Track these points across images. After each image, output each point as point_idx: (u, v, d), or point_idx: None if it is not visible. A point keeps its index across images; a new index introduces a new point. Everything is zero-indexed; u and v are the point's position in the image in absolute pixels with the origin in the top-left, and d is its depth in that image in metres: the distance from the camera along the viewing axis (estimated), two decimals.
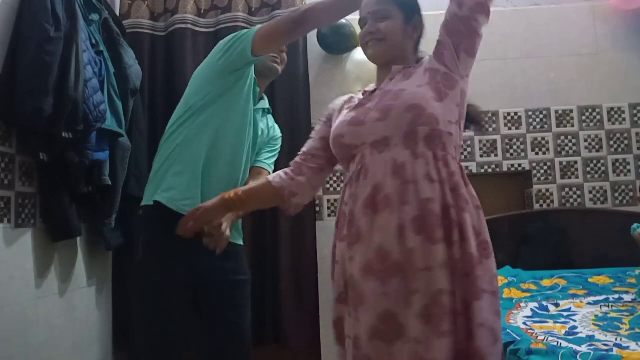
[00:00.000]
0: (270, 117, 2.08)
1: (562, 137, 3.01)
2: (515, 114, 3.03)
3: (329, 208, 2.95)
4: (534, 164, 3.00)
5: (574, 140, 3.01)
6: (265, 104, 2.02)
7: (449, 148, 1.36)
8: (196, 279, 1.76)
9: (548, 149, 3.01)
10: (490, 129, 3.03)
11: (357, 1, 1.58)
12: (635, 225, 2.18)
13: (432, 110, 1.34)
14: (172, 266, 1.72)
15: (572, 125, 3.01)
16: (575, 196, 2.98)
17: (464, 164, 2.99)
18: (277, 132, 2.09)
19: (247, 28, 2.85)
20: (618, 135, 2.99)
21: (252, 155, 1.93)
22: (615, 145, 2.99)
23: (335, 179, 2.97)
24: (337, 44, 2.88)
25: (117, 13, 2.82)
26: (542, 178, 2.99)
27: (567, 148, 3.01)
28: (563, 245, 2.86)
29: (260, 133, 1.95)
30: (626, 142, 2.99)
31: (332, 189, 2.98)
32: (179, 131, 1.78)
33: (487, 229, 1.38)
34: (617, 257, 2.68)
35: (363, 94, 1.52)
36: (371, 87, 1.53)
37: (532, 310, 2.05)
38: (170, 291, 1.73)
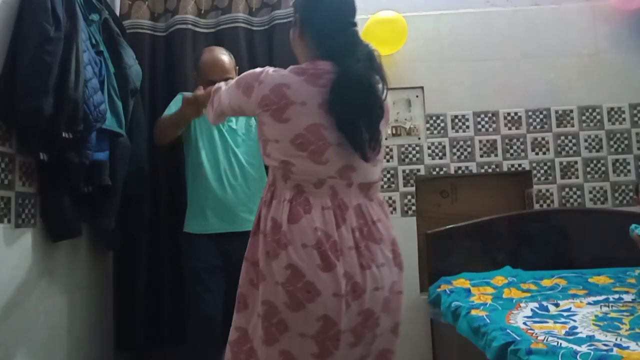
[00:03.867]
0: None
1: (562, 137, 3.01)
2: (515, 114, 3.03)
3: None
4: (534, 164, 3.00)
5: (574, 140, 3.01)
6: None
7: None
8: (225, 262, 2.28)
9: (548, 149, 3.01)
10: (490, 129, 3.03)
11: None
12: (633, 225, 2.18)
13: None
14: (204, 253, 2.30)
15: (572, 125, 3.01)
16: (575, 196, 2.97)
17: (464, 164, 3.03)
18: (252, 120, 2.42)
19: (247, 28, 2.86)
20: (618, 135, 2.99)
21: (240, 149, 2.38)
22: (615, 145, 2.99)
23: None
24: None
25: (117, 13, 2.82)
26: (542, 178, 2.99)
27: (567, 148, 3.01)
28: (563, 245, 2.86)
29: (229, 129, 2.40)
30: (626, 142, 2.99)
31: None
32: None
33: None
34: (617, 257, 2.68)
35: None
36: None
37: (532, 310, 2.05)
38: (206, 274, 2.27)
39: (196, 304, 2.25)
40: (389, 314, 1.46)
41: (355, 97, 1.41)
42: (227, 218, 2.31)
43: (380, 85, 1.47)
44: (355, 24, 1.53)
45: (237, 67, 2.46)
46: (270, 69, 1.49)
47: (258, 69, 1.52)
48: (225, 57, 2.43)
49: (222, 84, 1.74)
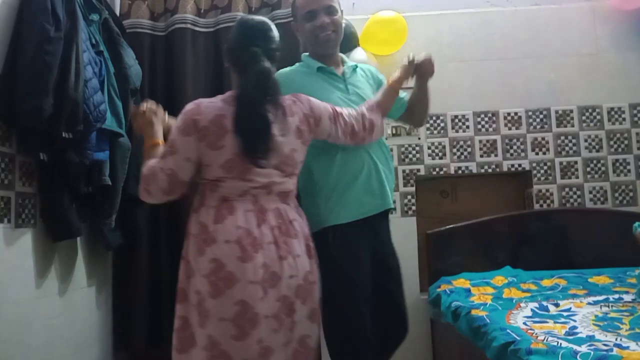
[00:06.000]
0: (360, 69, 2.09)
1: (562, 137, 3.01)
2: (515, 114, 3.03)
3: None
4: (534, 164, 3.00)
5: (574, 140, 3.01)
6: (347, 67, 2.05)
7: None
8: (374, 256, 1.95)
9: (548, 149, 3.01)
10: (490, 129, 3.03)
11: None
12: (637, 223, 2.16)
13: None
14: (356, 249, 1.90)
15: (572, 125, 3.01)
16: (575, 196, 2.97)
17: (464, 164, 3.02)
18: (372, 69, 2.16)
19: None
20: (618, 135, 2.99)
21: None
22: (615, 145, 2.99)
23: None
24: None
25: (117, 13, 2.82)
26: (542, 178, 2.99)
27: (567, 148, 3.01)
28: (563, 245, 2.86)
29: (357, 91, 2.01)
30: (626, 142, 2.99)
31: None
32: None
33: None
34: (617, 257, 2.68)
35: None
36: None
37: (532, 310, 2.05)
38: (358, 269, 1.87)
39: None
40: (304, 301, 1.65)
41: (248, 121, 1.59)
42: None
43: (273, 105, 1.63)
44: (257, 45, 1.65)
45: (342, 10, 2.05)
46: (204, 101, 1.64)
47: (189, 106, 1.64)
48: None
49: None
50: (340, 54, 2.12)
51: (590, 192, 2.97)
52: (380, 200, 1.95)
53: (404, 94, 2.14)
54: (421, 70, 2.00)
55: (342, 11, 2.04)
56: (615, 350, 1.41)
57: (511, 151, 3.02)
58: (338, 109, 1.81)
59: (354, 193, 1.91)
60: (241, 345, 1.53)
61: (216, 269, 1.54)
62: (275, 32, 1.75)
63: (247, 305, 1.53)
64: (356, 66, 2.10)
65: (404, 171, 3.00)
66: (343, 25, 2.04)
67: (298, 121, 1.70)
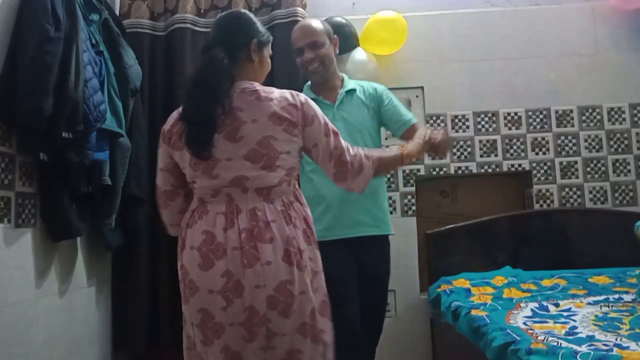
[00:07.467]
0: (360, 90, 2.24)
1: (562, 137, 3.01)
2: (515, 114, 3.03)
3: None
4: (534, 164, 3.00)
5: (574, 140, 3.01)
6: (341, 94, 2.20)
7: None
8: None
9: (548, 149, 3.00)
10: (490, 129, 3.03)
11: None
12: (638, 222, 2.16)
13: None
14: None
15: (572, 125, 3.01)
16: (575, 196, 2.97)
17: (464, 164, 3.02)
18: (376, 88, 2.28)
19: None
20: (618, 135, 2.99)
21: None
22: (615, 145, 2.99)
23: None
24: None
25: (117, 13, 2.82)
26: (542, 178, 2.99)
27: (567, 148, 3.01)
28: (563, 245, 2.86)
29: (343, 115, 2.18)
30: (626, 142, 2.99)
31: None
32: None
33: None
34: (617, 257, 2.68)
35: None
36: None
37: (532, 310, 2.05)
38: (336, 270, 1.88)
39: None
40: (285, 314, 1.48)
41: (189, 111, 1.55)
42: None
43: (240, 92, 1.56)
44: (214, 37, 1.64)
45: (336, 37, 2.23)
46: (175, 111, 1.64)
47: None
48: (313, 21, 2.19)
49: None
50: (343, 75, 2.29)
51: (590, 192, 2.97)
52: (351, 229, 2.08)
53: (411, 116, 2.26)
54: (436, 150, 1.94)
55: (334, 38, 2.21)
56: (615, 350, 1.41)
57: (511, 151, 3.02)
58: (336, 129, 1.66)
59: (319, 212, 2.02)
60: (209, 350, 1.50)
61: (183, 276, 1.55)
62: (247, 21, 1.67)
63: (208, 314, 1.49)
64: (355, 89, 2.22)
65: (403, 171, 3.00)
66: (333, 54, 2.19)
67: (277, 107, 1.54)
